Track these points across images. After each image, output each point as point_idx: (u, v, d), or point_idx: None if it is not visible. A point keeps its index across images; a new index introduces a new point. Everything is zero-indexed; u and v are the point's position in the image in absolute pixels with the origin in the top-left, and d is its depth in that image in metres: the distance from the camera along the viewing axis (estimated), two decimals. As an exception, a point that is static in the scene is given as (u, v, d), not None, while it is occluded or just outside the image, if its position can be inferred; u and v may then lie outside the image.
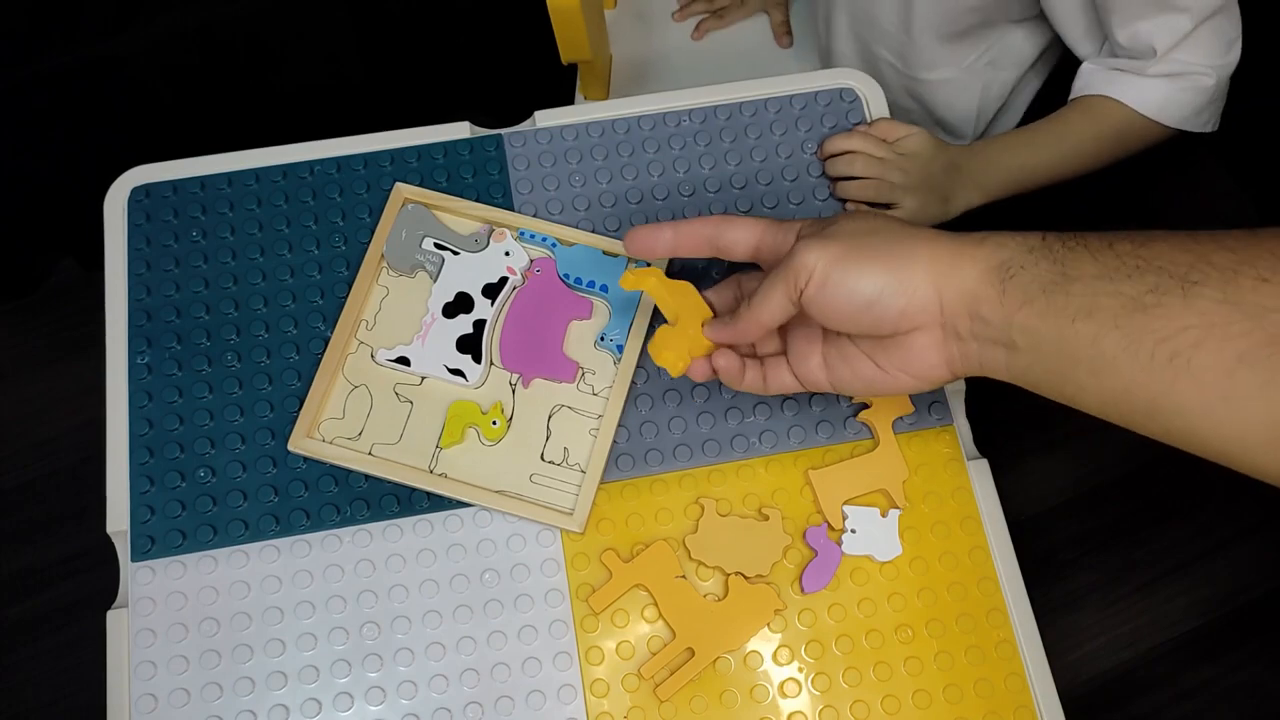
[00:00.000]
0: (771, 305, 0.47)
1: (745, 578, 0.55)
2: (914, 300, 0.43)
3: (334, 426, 0.58)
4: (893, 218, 0.47)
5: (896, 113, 0.72)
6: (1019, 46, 0.77)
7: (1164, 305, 0.36)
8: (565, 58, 0.75)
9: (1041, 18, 0.75)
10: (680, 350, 0.51)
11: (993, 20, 0.74)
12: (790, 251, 0.46)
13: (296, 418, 0.57)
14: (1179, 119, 0.67)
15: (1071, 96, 0.71)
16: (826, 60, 0.89)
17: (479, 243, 0.61)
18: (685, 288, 0.53)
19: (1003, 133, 0.78)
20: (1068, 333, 0.39)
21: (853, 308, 0.44)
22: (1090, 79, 0.69)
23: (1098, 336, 0.38)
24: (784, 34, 0.94)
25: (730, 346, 0.52)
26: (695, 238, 0.50)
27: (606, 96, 0.90)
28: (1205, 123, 0.68)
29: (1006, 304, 0.41)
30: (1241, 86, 0.67)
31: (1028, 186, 0.71)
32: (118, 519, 0.57)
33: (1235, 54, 0.66)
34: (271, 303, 0.61)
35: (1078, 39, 0.70)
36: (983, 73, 0.78)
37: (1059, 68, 0.82)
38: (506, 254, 0.61)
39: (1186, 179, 1.37)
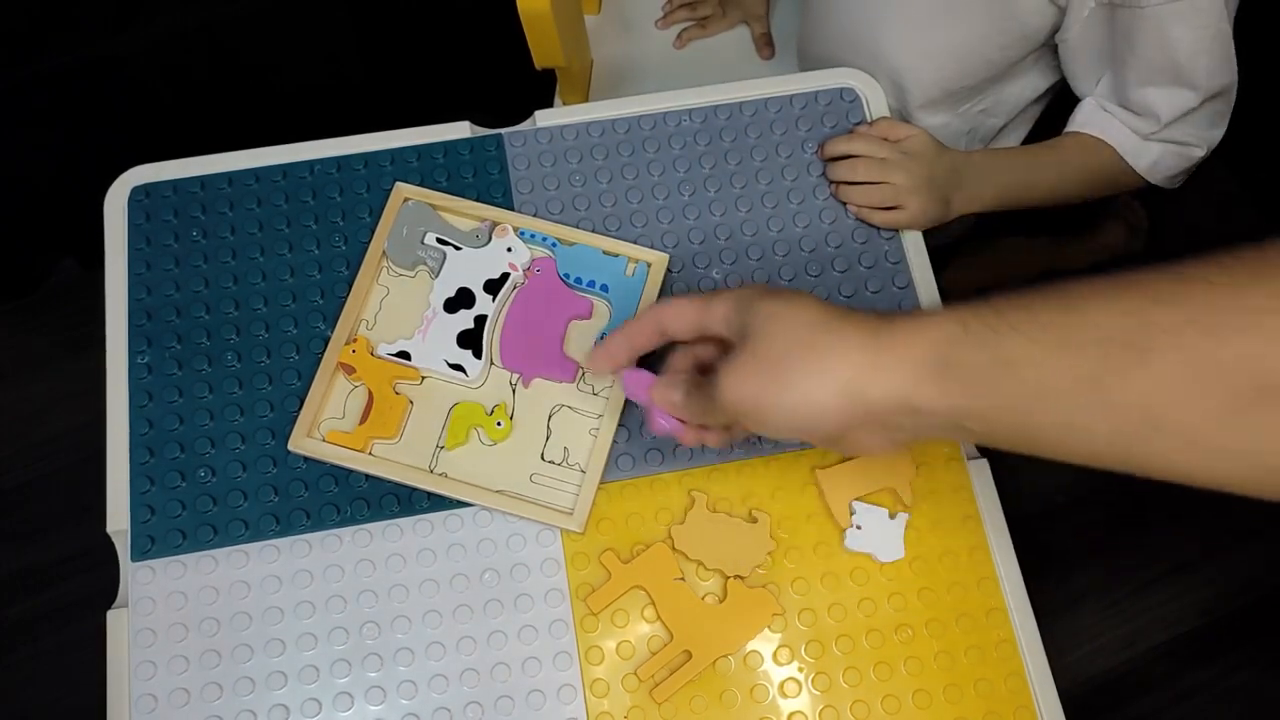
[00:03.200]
0: (704, 419, 0.48)
1: (744, 581, 0.55)
2: (839, 415, 0.42)
3: (334, 426, 0.58)
4: (809, 309, 0.44)
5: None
6: (1015, 98, 0.78)
7: (1124, 377, 0.35)
8: (538, 63, 0.75)
9: (1042, 68, 0.76)
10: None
11: (1001, 75, 0.75)
12: (715, 387, 0.45)
13: (296, 418, 0.57)
14: (1162, 178, 0.71)
15: (1071, 128, 0.72)
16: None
17: (480, 239, 0.61)
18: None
19: (1004, 147, 0.78)
20: (1025, 415, 0.38)
21: (782, 432, 0.44)
22: (1091, 118, 0.71)
23: (1058, 413, 0.37)
24: (765, 45, 0.95)
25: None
26: (645, 333, 0.50)
27: (586, 101, 0.90)
28: (1176, 183, 0.72)
29: (950, 396, 0.39)
30: (1244, 87, 0.68)
31: (1019, 205, 0.72)
32: (118, 519, 0.57)
33: (1222, 129, 0.69)
34: (271, 302, 0.61)
35: (1083, 83, 0.72)
36: (975, 118, 0.79)
37: (1043, 116, 0.84)
38: (509, 250, 0.61)
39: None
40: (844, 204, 0.64)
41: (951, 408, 0.39)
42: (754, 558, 0.56)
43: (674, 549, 0.56)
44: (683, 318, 0.48)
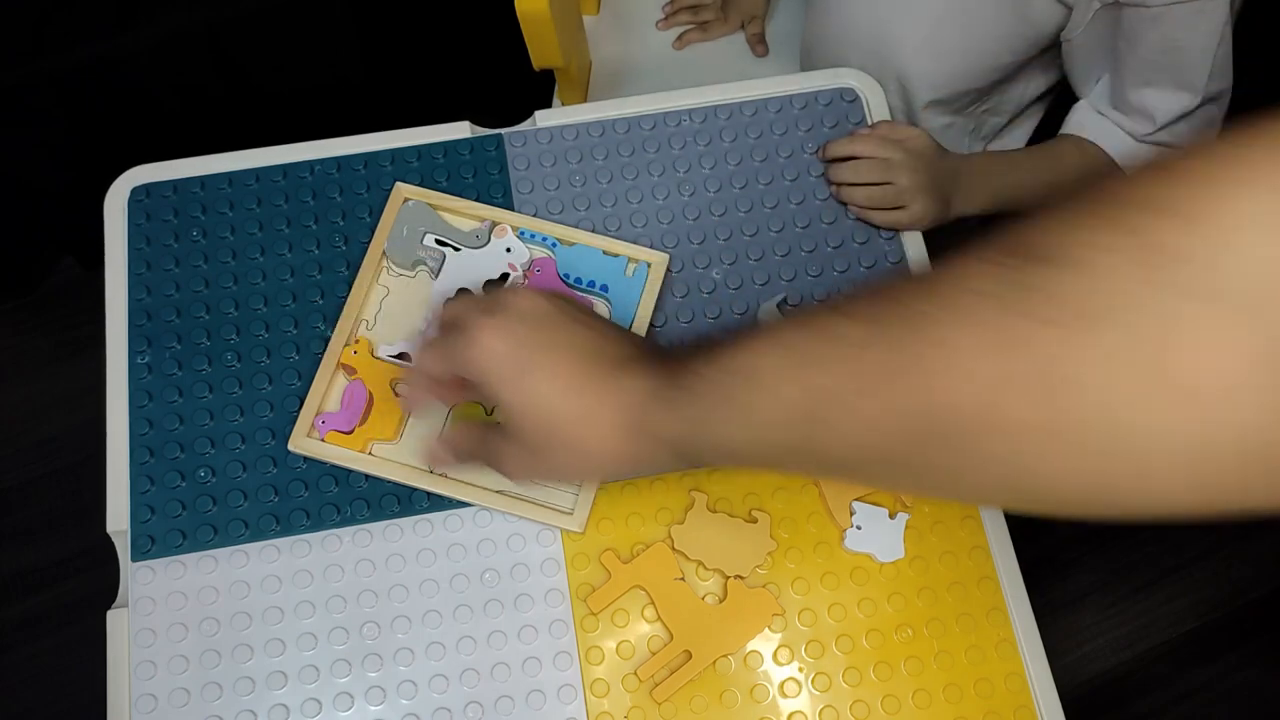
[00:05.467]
0: (434, 369, 0.48)
1: (744, 581, 0.55)
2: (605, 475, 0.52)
3: (334, 426, 0.58)
4: (541, 405, 0.45)
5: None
6: (1018, 96, 0.79)
7: (814, 444, 0.39)
8: (537, 64, 0.75)
9: (1045, 67, 0.76)
10: None
11: (1007, 76, 0.75)
12: (498, 460, 0.48)
13: (296, 418, 0.57)
14: None
15: (1065, 130, 0.72)
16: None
17: (480, 239, 0.61)
18: None
19: (1002, 150, 0.78)
20: (737, 462, 0.44)
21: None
22: (1085, 121, 0.71)
23: (762, 464, 0.43)
24: (759, 43, 0.95)
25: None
26: (428, 385, 0.51)
27: (584, 102, 0.90)
28: None
29: (679, 463, 0.45)
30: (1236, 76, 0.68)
31: (1014, 207, 0.72)
32: (118, 519, 0.57)
33: (1214, 135, 0.69)
34: (271, 303, 0.61)
35: (1083, 84, 0.72)
36: (979, 117, 0.79)
37: (1047, 114, 0.84)
38: (508, 250, 0.61)
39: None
40: (844, 205, 0.64)
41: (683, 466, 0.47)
42: (754, 558, 0.56)
43: (674, 549, 0.56)
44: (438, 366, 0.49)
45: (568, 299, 0.48)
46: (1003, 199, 0.71)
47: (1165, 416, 0.32)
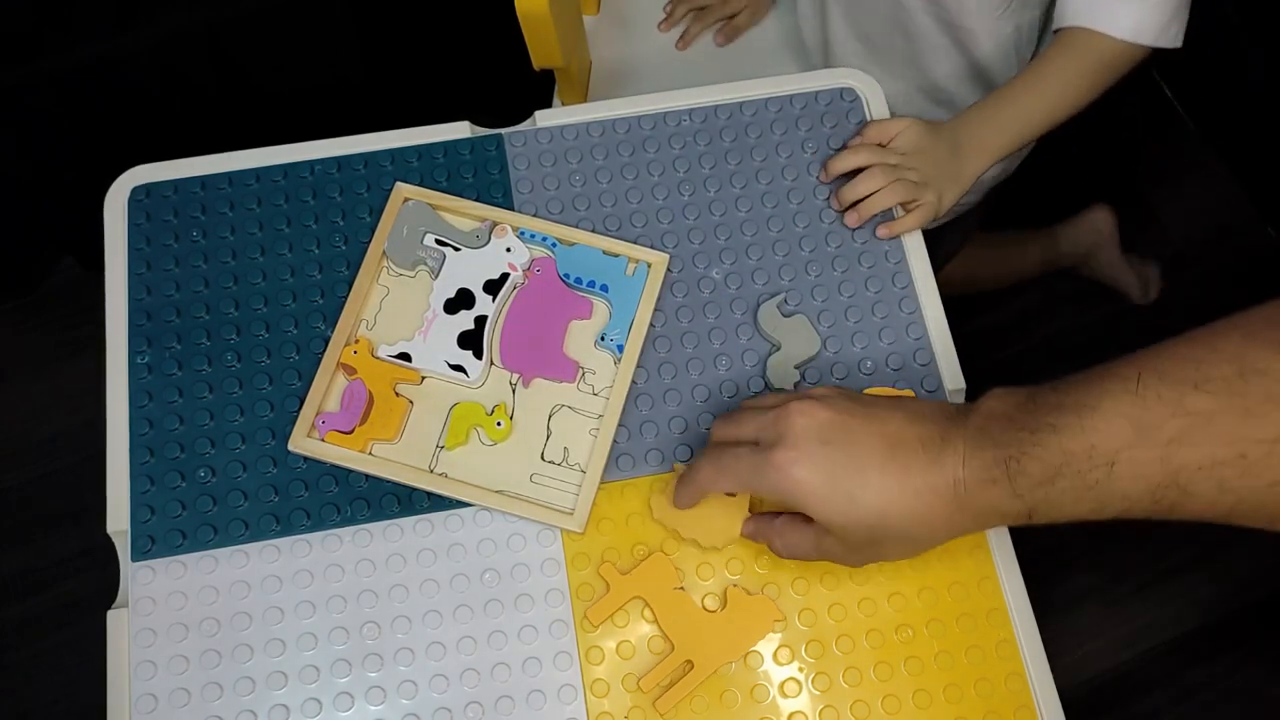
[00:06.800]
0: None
1: (745, 589, 0.55)
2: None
3: (334, 426, 0.58)
4: (849, 416, 0.47)
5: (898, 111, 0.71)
6: None
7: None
8: (537, 64, 0.75)
9: None
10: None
11: None
12: (775, 471, 0.47)
13: (297, 418, 0.57)
14: (1152, 37, 0.68)
15: (1056, 26, 0.71)
16: (826, 41, 0.88)
17: (480, 239, 0.61)
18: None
19: (991, 93, 0.78)
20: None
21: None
22: (1065, 9, 0.70)
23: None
24: (724, 32, 0.94)
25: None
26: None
27: (584, 102, 0.90)
28: (1174, 36, 0.70)
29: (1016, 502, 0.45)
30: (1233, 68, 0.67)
31: (1030, 136, 0.71)
32: (118, 519, 0.57)
33: None
34: (271, 302, 0.61)
35: None
36: (1015, 11, 0.78)
37: None
38: (508, 250, 0.61)
39: (1182, 169, 1.37)
40: (853, 228, 0.63)
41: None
42: (729, 531, 0.55)
43: (653, 518, 0.56)
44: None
45: (839, 394, 0.49)
46: (1016, 137, 0.70)
47: None
